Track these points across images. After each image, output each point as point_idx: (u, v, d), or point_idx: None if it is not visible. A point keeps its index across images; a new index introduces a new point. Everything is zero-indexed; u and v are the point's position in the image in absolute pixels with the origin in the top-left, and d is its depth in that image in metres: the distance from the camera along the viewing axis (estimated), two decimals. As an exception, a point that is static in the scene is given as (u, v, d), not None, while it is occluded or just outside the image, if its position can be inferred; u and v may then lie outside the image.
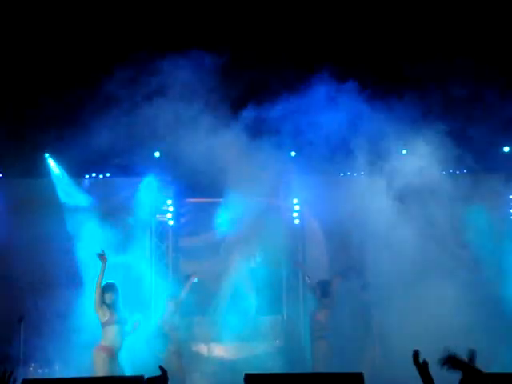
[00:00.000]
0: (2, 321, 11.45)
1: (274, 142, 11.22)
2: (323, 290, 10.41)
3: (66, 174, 12.37)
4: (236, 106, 11.27)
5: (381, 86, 11.00)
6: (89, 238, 11.62)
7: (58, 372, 10.64)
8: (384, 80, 11.14)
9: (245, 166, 11.47)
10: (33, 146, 11.79)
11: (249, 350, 11.65)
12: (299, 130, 11.38)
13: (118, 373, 9.24)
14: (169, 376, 9.20)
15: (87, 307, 9.76)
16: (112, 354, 9.26)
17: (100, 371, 9.04)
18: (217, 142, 11.14)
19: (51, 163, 12.34)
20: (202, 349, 11.65)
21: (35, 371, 10.55)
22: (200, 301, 12.25)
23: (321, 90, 11.13)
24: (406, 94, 10.85)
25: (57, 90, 10.95)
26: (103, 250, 9.53)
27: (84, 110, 10.82)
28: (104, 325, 9.34)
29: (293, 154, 12.37)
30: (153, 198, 12.51)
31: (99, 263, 9.49)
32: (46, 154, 12.38)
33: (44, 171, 12.36)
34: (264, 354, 11.54)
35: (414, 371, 4.50)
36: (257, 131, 11.30)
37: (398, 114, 10.85)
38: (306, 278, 10.74)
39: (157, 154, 12.23)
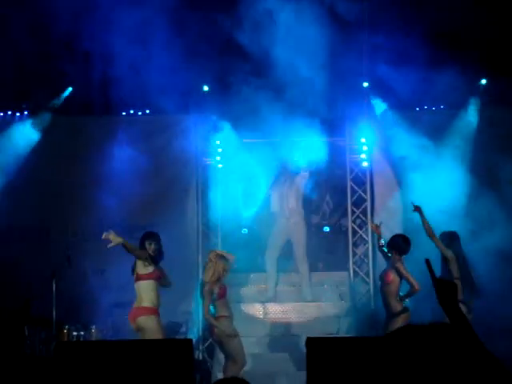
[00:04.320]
0: (32, 276, 11.28)
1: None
2: (399, 248, 9.64)
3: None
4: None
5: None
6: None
7: (95, 335, 10.40)
8: None
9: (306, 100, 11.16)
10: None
11: (310, 311, 11.21)
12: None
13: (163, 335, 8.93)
14: (225, 344, 9.04)
15: (126, 263, 9.35)
16: (157, 315, 8.88)
17: (149, 335, 8.65)
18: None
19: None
20: (258, 310, 11.27)
21: (70, 334, 10.35)
22: (254, 255, 11.92)
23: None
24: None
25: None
26: (110, 232, 8.80)
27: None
28: (143, 278, 8.92)
29: (365, 84, 11.87)
30: (200, 138, 12.02)
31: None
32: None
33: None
34: (328, 316, 11.10)
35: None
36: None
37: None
38: (382, 241, 10.03)
39: (205, 88, 11.91)
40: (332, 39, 11.14)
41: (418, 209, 9.74)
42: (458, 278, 9.43)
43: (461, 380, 2.07)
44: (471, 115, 11.93)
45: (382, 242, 9.82)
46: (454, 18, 10.50)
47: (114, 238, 8.68)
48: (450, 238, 9.71)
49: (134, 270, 9.02)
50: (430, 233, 9.55)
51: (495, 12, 10.54)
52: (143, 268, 8.93)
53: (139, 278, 8.94)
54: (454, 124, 11.71)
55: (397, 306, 9.29)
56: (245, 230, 12.07)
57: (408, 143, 11.77)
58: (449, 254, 9.57)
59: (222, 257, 9.33)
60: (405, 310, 9.32)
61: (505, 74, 10.81)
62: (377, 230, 9.99)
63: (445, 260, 9.64)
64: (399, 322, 9.18)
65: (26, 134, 12.08)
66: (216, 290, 9.11)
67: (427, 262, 2.80)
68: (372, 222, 11.46)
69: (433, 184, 11.33)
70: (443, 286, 2.64)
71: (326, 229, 12.39)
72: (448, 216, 10.60)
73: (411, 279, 9.08)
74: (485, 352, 2.25)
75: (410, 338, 2.15)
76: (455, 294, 2.64)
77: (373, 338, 6.26)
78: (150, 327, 8.75)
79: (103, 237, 8.72)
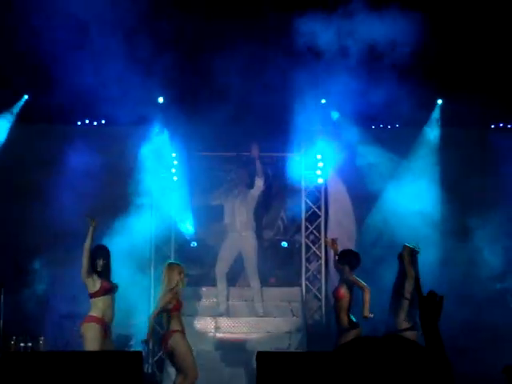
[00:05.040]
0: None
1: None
2: (351, 262, 9.73)
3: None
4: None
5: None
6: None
7: (43, 346, 10.26)
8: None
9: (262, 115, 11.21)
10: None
11: (262, 326, 11.18)
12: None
13: (110, 348, 8.85)
14: (174, 356, 8.98)
15: (76, 274, 9.25)
16: (104, 328, 8.81)
17: (91, 346, 8.59)
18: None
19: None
20: (209, 324, 11.20)
21: (17, 345, 10.18)
22: (207, 270, 11.87)
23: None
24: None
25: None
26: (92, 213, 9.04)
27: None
28: (93, 296, 8.86)
29: (323, 101, 11.94)
30: (155, 150, 11.96)
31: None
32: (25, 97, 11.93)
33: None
34: (279, 331, 11.08)
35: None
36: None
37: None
38: (336, 257, 10.14)
39: (160, 100, 11.87)
40: (290, 54, 11.21)
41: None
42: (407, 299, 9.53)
43: None
44: (429, 134, 12.07)
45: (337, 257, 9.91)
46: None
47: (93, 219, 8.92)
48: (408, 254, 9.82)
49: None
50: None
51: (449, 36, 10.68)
52: (92, 286, 8.88)
53: (91, 295, 8.90)
54: (412, 141, 11.81)
55: (347, 322, 9.37)
56: (194, 243, 12.00)
57: (365, 160, 11.86)
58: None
59: (174, 267, 9.30)
60: (356, 325, 9.39)
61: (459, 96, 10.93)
62: (333, 245, 10.08)
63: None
64: (350, 338, 9.21)
65: None
66: (173, 302, 9.05)
67: (416, 279, 2.82)
68: (326, 237, 11.49)
69: (389, 201, 11.43)
70: (428, 304, 2.65)
71: (284, 244, 12.39)
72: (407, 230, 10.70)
73: (360, 283, 9.28)
74: (450, 377, 2.21)
75: (362, 351, 2.04)
76: (438, 313, 2.64)
77: (323, 353, 6.27)
78: (89, 335, 8.70)
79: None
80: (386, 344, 2.02)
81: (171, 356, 9.10)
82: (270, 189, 12.16)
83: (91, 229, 8.93)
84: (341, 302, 9.44)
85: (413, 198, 11.43)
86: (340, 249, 10.06)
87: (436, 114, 12.12)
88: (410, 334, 8.94)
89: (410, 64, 10.60)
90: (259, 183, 11.65)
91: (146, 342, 9.42)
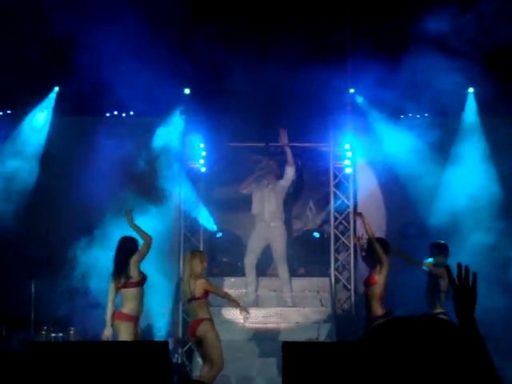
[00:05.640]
0: (10, 278, 11.21)
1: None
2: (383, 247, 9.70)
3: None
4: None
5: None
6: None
7: (74, 337, 10.32)
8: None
9: (290, 105, 11.16)
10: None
11: (291, 317, 11.16)
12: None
13: (138, 339, 8.91)
14: (203, 344, 9.01)
15: (104, 266, 9.31)
16: (136, 322, 8.86)
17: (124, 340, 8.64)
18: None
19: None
20: (238, 314, 11.18)
21: (48, 336, 10.25)
22: (234, 260, 11.86)
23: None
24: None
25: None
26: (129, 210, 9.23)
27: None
28: (133, 285, 8.92)
29: (352, 90, 11.86)
30: (183, 141, 11.96)
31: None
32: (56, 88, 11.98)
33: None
34: (308, 322, 11.05)
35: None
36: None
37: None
38: (360, 235, 10.18)
39: (187, 91, 11.90)
40: (317, 45, 11.17)
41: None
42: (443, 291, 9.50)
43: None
44: (464, 121, 11.91)
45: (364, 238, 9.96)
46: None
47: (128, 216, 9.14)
48: (440, 249, 9.75)
49: (119, 274, 8.92)
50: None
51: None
52: (137, 275, 8.89)
53: (130, 285, 8.90)
54: (443, 130, 11.62)
55: (378, 310, 9.34)
56: (219, 234, 11.97)
57: (393, 149, 11.78)
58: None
59: (196, 256, 9.31)
60: (387, 314, 9.35)
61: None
62: (359, 241, 10.13)
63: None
64: None
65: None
66: (200, 290, 9.05)
67: (447, 267, 2.73)
68: (354, 232, 11.44)
69: (417, 190, 11.33)
70: (462, 292, 2.59)
71: (316, 234, 12.33)
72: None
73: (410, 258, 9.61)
74: (489, 363, 2.10)
75: (397, 331, 1.88)
76: (473, 301, 2.57)
77: (348, 343, 6.24)
78: (123, 332, 8.72)
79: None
80: (422, 324, 1.86)
81: (199, 344, 9.11)
82: (299, 179, 12.11)
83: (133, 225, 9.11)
84: (373, 288, 9.42)
85: (448, 184, 11.35)
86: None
87: (470, 102, 11.97)
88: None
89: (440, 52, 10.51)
90: (290, 172, 11.60)
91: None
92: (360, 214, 10.21)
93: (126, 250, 8.99)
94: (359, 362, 1.83)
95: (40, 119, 12.11)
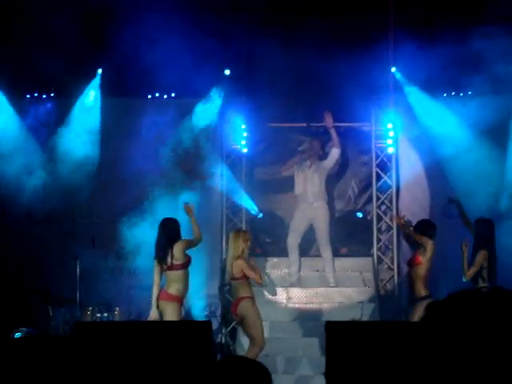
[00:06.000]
0: (55, 258, 11.36)
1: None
2: (427, 232, 9.61)
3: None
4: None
5: None
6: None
7: (119, 316, 10.42)
8: None
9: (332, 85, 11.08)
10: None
11: (334, 297, 11.13)
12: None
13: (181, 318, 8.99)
14: (245, 326, 9.05)
15: (151, 245, 9.34)
16: (182, 301, 8.92)
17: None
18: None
19: None
20: (281, 294, 11.20)
21: (93, 315, 10.37)
22: (277, 240, 11.85)
23: None
24: None
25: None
26: (188, 203, 9.25)
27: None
28: (180, 267, 8.94)
29: (393, 69, 11.80)
30: (225, 122, 11.98)
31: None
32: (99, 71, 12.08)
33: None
34: (351, 302, 11.01)
35: None
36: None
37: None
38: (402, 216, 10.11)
39: (227, 72, 11.91)
40: (357, 24, 11.05)
41: (454, 202, 9.87)
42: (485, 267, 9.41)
43: None
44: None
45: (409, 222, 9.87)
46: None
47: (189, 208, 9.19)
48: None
49: (164, 257, 8.95)
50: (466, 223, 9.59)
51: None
52: (182, 256, 8.92)
53: (178, 267, 8.92)
54: (483, 109, 11.39)
55: (421, 291, 9.28)
56: (260, 215, 11.94)
57: (436, 129, 11.64)
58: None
59: (239, 234, 9.34)
60: (429, 296, 9.29)
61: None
62: (400, 222, 10.05)
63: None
64: (421, 310, 9.15)
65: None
66: (237, 270, 9.10)
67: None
68: (397, 212, 11.35)
69: (461, 170, 11.19)
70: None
71: (360, 214, 12.26)
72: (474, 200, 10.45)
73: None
74: None
75: (468, 305, 1.74)
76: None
77: (392, 323, 6.20)
78: (169, 313, 8.76)
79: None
80: (493, 298, 1.71)
81: (241, 323, 9.16)
82: (341, 159, 12.02)
83: (192, 218, 9.15)
84: (417, 269, 9.36)
85: (491, 165, 11.21)
86: (413, 219, 9.99)
87: None
88: None
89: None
90: (335, 154, 11.54)
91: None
92: (400, 219, 10.14)
93: (168, 231, 8.99)
94: (428, 339, 1.69)
95: (89, 100, 12.18)
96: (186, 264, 8.93)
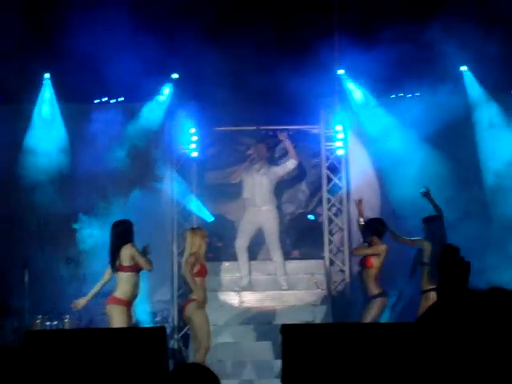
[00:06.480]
0: (3, 267, 11.13)
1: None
2: (377, 231, 9.71)
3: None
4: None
5: None
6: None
7: (68, 325, 10.24)
8: None
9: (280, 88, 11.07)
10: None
11: (286, 300, 11.10)
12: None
13: (132, 324, 8.88)
14: (191, 328, 8.98)
15: (102, 251, 9.21)
16: (129, 308, 8.81)
17: (117, 324, 8.55)
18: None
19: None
20: (233, 298, 11.13)
21: (42, 324, 10.18)
22: (227, 244, 11.78)
23: None
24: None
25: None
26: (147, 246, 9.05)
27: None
28: (129, 269, 8.83)
29: (340, 71, 11.81)
30: (174, 126, 11.87)
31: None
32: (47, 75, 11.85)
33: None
34: (304, 304, 11.00)
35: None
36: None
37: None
38: (360, 219, 10.14)
39: (175, 76, 11.87)
40: (305, 27, 11.07)
41: (426, 194, 10.02)
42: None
43: None
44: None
45: (362, 220, 9.92)
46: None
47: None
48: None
49: (113, 258, 8.85)
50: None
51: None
52: (128, 260, 8.80)
53: (127, 269, 8.82)
54: (430, 112, 11.48)
55: (374, 290, 9.37)
56: (211, 219, 11.85)
57: (384, 130, 11.70)
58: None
59: (196, 232, 9.28)
60: (382, 294, 9.37)
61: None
62: (359, 205, 10.07)
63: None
64: (375, 307, 9.28)
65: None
66: (196, 266, 9.03)
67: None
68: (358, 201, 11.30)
69: (410, 171, 11.26)
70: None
71: (312, 217, 12.25)
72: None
73: (408, 241, 9.61)
74: None
75: (469, 304, 1.63)
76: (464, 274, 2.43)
77: (349, 325, 6.19)
78: (116, 317, 8.65)
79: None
80: (492, 297, 1.64)
81: (189, 325, 9.15)
82: (290, 163, 11.98)
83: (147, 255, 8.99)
84: (368, 270, 9.46)
85: (439, 165, 11.32)
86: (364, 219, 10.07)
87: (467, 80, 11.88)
88: (434, 295, 8.83)
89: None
90: (291, 165, 11.56)
91: None
92: (360, 202, 10.23)
93: (118, 233, 8.91)
94: (426, 339, 1.60)
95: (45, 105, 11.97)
96: (134, 268, 8.81)
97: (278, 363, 8.99)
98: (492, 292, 1.60)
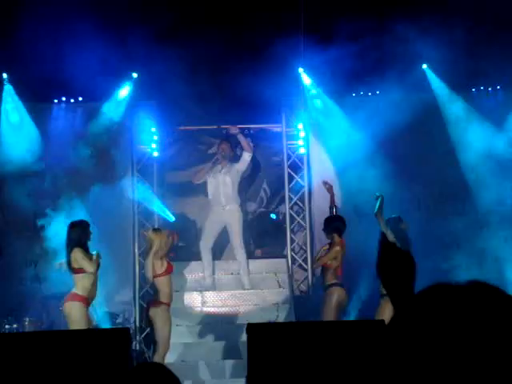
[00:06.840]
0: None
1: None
2: (338, 228, 9.76)
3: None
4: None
5: None
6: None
7: (29, 327, 10.09)
8: None
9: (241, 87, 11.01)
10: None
11: (249, 299, 11.06)
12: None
13: (93, 325, 8.78)
14: (154, 329, 8.91)
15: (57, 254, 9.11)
16: (87, 302, 8.72)
17: (76, 326, 8.41)
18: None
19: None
20: (196, 298, 11.06)
21: (1, 326, 10.02)
22: (191, 244, 11.72)
23: None
24: None
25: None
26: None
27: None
28: (86, 273, 8.69)
29: (301, 69, 11.72)
30: (134, 125, 11.77)
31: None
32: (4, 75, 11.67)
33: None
34: (267, 304, 10.96)
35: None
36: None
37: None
38: (334, 207, 10.26)
39: (134, 75, 11.79)
40: (267, 26, 11.04)
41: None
42: None
43: None
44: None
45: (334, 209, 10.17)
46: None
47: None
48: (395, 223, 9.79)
49: (66, 259, 8.76)
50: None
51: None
52: (77, 263, 8.70)
53: (74, 270, 8.72)
54: (393, 110, 11.50)
55: (330, 280, 9.45)
56: (171, 218, 11.76)
57: (345, 129, 11.72)
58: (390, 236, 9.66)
59: (159, 232, 9.22)
60: (338, 284, 9.47)
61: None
62: (330, 189, 10.19)
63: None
64: (331, 297, 9.33)
65: None
66: (159, 264, 8.95)
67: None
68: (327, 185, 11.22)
69: (371, 169, 11.29)
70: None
71: (273, 216, 12.23)
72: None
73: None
74: None
75: (443, 299, 1.53)
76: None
77: (314, 323, 6.19)
78: (74, 315, 8.54)
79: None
80: (470, 292, 1.55)
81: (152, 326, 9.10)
82: (253, 161, 11.97)
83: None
84: (329, 267, 9.52)
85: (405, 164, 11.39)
86: (323, 217, 10.11)
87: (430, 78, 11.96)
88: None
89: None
90: (247, 157, 11.42)
91: None
92: (330, 187, 10.28)
93: (71, 236, 8.82)
94: (398, 337, 1.53)
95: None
96: (83, 270, 8.71)
97: (241, 362, 8.96)
98: (472, 286, 1.52)
